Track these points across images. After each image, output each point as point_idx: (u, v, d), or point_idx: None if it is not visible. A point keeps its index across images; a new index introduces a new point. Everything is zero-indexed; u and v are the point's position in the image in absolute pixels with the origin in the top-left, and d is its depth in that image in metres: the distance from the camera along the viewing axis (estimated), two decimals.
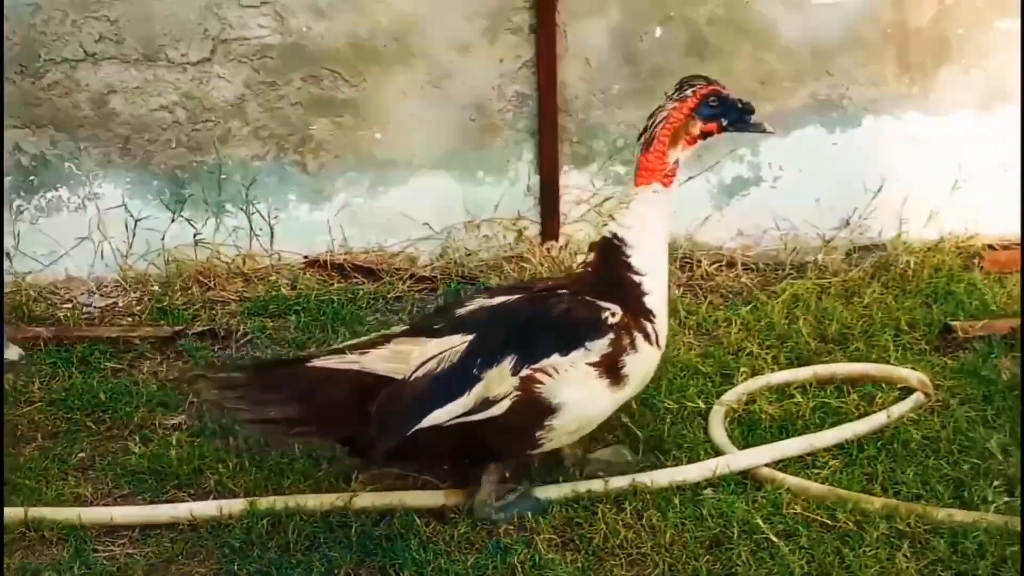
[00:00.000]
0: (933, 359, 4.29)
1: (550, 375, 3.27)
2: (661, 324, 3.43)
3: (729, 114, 3.44)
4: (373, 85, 5.02)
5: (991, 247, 5.12)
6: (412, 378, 3.29)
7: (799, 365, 4.26)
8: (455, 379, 3.27)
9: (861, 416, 3.90)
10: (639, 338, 3.35)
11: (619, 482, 3.53)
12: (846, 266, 5.02)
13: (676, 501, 3.46)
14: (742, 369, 4.19)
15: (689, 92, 3.41)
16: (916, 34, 5.03)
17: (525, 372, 3.26)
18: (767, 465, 3.62)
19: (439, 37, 5.02)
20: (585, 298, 3.38)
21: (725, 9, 5.00)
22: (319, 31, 4.97)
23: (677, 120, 3.40)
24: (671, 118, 3.40)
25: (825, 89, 5.09)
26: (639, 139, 3.44)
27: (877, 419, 3.84)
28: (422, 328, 3.48)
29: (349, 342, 3.70)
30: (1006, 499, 3.41)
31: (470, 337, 3.32)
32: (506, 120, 5.10)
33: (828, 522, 3.33)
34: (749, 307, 4.70)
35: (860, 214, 5.15)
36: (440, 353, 3.31)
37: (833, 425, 3.85)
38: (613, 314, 3.33)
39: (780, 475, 3.56)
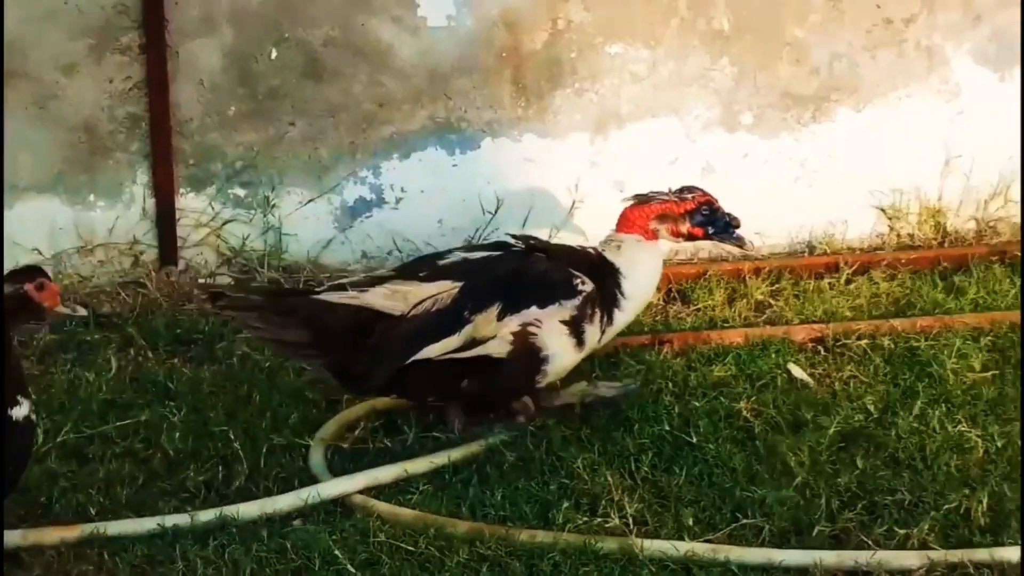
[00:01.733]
0: None
1: (538, 325, 3.74)
2: (611, 331, 3.96)
3: (716, 225, 4.00)
4: None
5: None
6: (411, 314, 3.70)
7: None
8: (448, 319, 3.72)
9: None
10: (597, 314, 3.86)
11: (206, 515, 3.45)
12: None
13: (264, 534, 3.40)
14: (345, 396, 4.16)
15: (689, 196, 3.99)
16: (530, 58, 5.12)
17: (511, 319, 3.74)
18: (361, 492, 3.60)
19: (42, 57, 4.82)
20: (560, 263, 3.89)
21: (341, 32, 4.98)
22: None
23: (671, 211, 3.98)
24: (668, 206, 3.99)
25: (443, 111, 5.12)
26: (634, 196, 4.03)
27: (474, 445, 3.88)
28: (411, 273, 3.86)
29: (350, 279, 3.96)
30: (585, 518, 3.48)
31: (460, 283, 3.75)
32: (118, 142, 4.94)
33: (411, 548, 3.33)
34: None
35: (481, 234, 5.20)
36: (435, 295, 3.74)
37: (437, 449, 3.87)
38: (583, 283, 3.84)
39: (372, 502, 3.55)
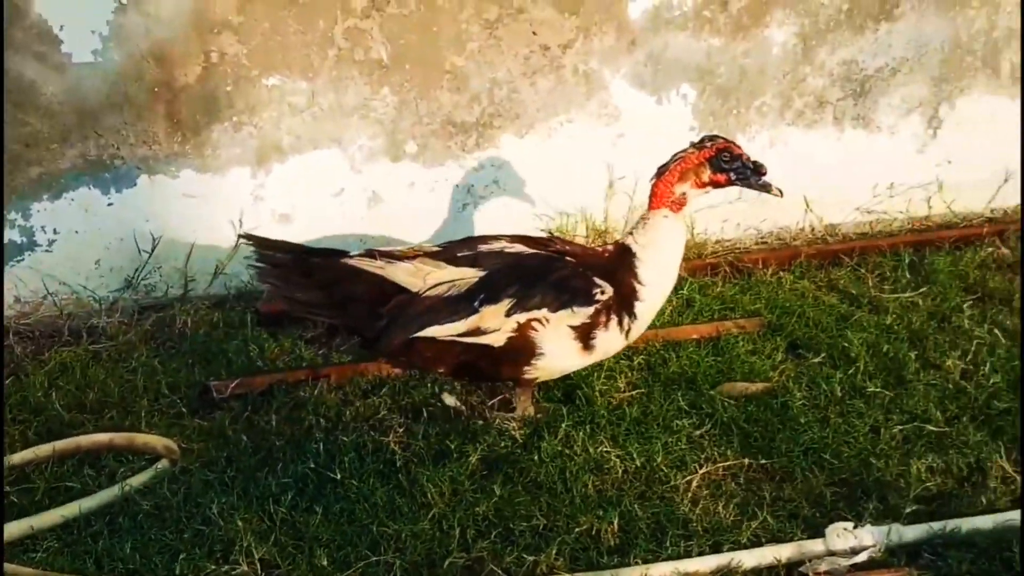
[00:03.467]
0: (189, 422, 4.25)
1: (542, 324, 3.92)
2: (639, 325, 4.06)
3: (738, 170, 4.00)
4: None
5: None
6: (424, 294, 3.95)
7: (53, 439, 4.10)
8: (458, 305, 3.92)
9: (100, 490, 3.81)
10: (614, 321, 3.98)
11: None
12: (125, 328, 4.90)
13: None
14: None
15: (708, 144, 3.99)
16: (184, 92, 5.01)
17: (520, 316, 3.91)
18: None
19: None
20: (586, 271, 4.00)
21: None
22: None
23: (689, 163, 3.99)
24: (685, 160, 3.99)
25: (95, 149, 4.97)
26: (657, 169, 4.02)
27: (108, 493, 3.76)
28: (448, 253, 4.07)
29: (384, 248, 4.18)
30: (214, 566, 3.41)
31: (481, 274, 3.96)
32: None
33: None
34: (10, 379, 4.49)
35: (140, 274, 5.07)
36: (452, 280, 3.96)
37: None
38: (603, 292, 3.97)
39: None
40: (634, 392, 4.42)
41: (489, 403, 4.35)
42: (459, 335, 3.94)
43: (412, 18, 5.20)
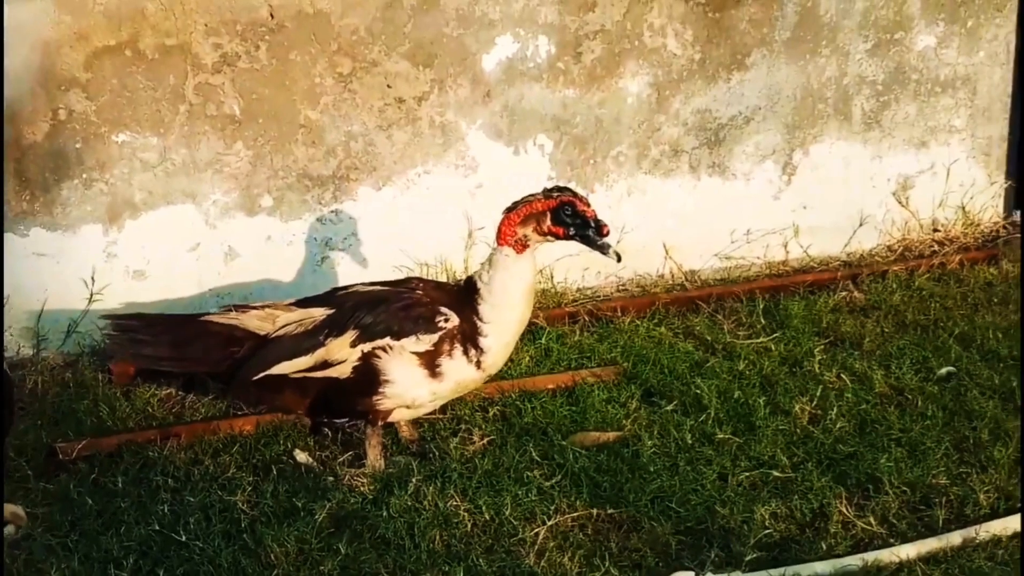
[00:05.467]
0: (35, 485, 4.18)
1: (386, 352, 4.02)
2: (490, 358, 4.13)
3: (579, 227, 3.99)
4: None
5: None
6: (273, 335, 4.15)
7: None
8: (304, 342, 4.10)
9: None
10: (458, 350, 4.07)
11: None
12: None
13: None
14: None
15: (554, 195, 4.02)
16: (32, 149, 4.96)
17: (365, 346, 4.04)
18: None
19: None
20: (429, 300, 4.12)
21: None
22: None
23: (534, 208, 4.02)
24: (531, 204, 4.03)
25: None
26: (506, 207, 4.07)
27: None
28: (303, 303, 4.31)
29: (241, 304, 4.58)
30: None
31: (331, 311, 4.14)
32: None
33: None
34: None
35: None
36: (301, 319, 4.17)
37: None
38: (447, 320, 4.07)
39: None
40: (487, 444, 4.42)
41: (340, 459, 4.33)
42: (307, 369, 4.11)
43: (264, 72, 5.20)
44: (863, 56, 6.26)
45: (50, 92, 4.95)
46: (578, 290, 5.96)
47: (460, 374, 4.14)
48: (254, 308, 4.33)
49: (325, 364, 4.10)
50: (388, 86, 5.45)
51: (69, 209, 5.08)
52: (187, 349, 4.30)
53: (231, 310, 4.36)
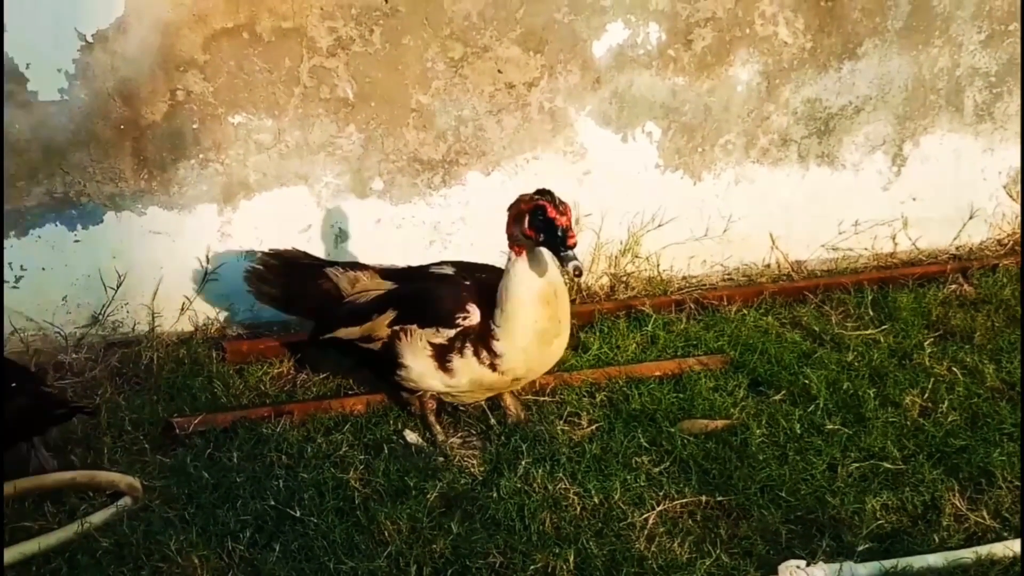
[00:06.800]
0: (152, 459, 4.26)
1: (406, 336, 4.22)
2: (507, 362, 4.15)
3: (547, 233, 3.95)
4: None
5: (240, 336, 5.22)
6: (346, 300, 4.50)
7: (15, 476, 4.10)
8: (360, 313, 4.38)
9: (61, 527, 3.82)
10: (470, 350, 4.15)
11: None
12: (91, 365, 4.92)
13: None
14: None
15: (537, 197, 3.99)
16: (150, 129, 5.04)
17: (396, 327, 4.24)
18: None
19: None
20: (462, 293, 4.23)
21: None
22: None
23: (520, 210, 4.04)
24: (518, 206, 4.06)
25: (61, 186, 4.98)
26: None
27: (68, 530, 3.76)
28: (388, 272, 4.65)
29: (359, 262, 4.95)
30: None
31: (394, 287, 4.40)
32: None
33: None
34: None
35: (106, 310, 5.08)
36: (371, 290, 4.45)
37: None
38: (466, 318, 4.18)
39: None
40: (595, 429, 4.43)
41: (450, 440, 4.37)
42: (358, 339, 4.38)
43: (377, 56, 5.25)
44: (976, 47, 6.18)
45: (168, 73, 5.02)
46: (683, 278, 5.95)
47: (473, 373, 4.21)
48: (366, 269, 4.66)
49: (369, 338, 4.35)
50: (499, 71, 5.47)
51: (185, 188, 5.16)
52: (294, 298, 4.75)
53: (350, 269, 4.67)
